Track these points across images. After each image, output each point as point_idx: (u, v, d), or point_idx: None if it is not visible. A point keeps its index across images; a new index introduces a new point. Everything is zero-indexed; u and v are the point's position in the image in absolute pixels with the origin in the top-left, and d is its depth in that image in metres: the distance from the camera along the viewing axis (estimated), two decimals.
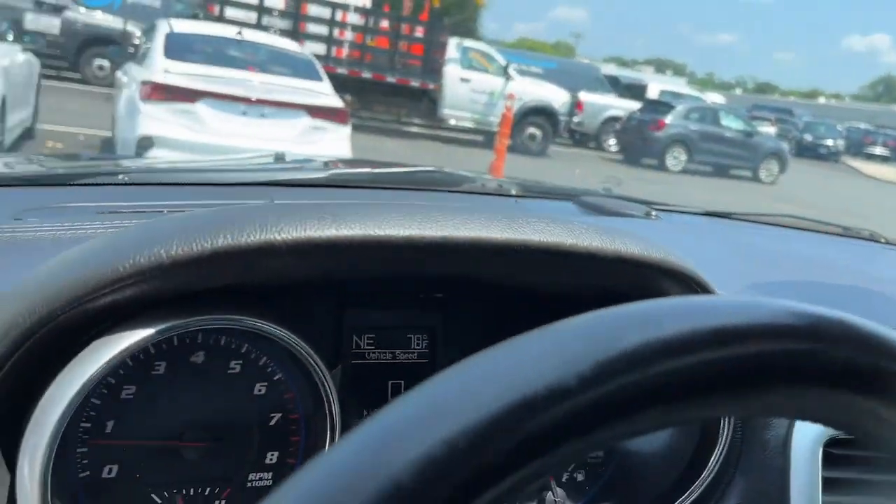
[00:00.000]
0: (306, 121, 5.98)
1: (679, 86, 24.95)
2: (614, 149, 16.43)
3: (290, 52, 7.34)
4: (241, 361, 0.73)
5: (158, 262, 0.57)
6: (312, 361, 0.71)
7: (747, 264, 1.32)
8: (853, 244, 1.76)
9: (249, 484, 0.74)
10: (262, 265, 0.61)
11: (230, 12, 11.60)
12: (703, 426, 0.82)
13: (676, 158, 14.96)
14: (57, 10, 12.35)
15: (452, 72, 13.05)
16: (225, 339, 0.72)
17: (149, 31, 7.41)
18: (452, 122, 13.50)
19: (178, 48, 6.32)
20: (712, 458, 0.81)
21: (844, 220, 1.93)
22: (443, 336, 0.83)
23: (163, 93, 5.67)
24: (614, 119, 16.70)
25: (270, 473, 0.75)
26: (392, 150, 10.93)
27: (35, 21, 11.82)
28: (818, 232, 1.76)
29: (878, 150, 31.08)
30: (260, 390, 0.74)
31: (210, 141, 5.46)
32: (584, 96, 16.49)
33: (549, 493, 0.86)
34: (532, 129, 13.39)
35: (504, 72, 13.38)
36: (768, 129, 20.19)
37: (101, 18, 12.88)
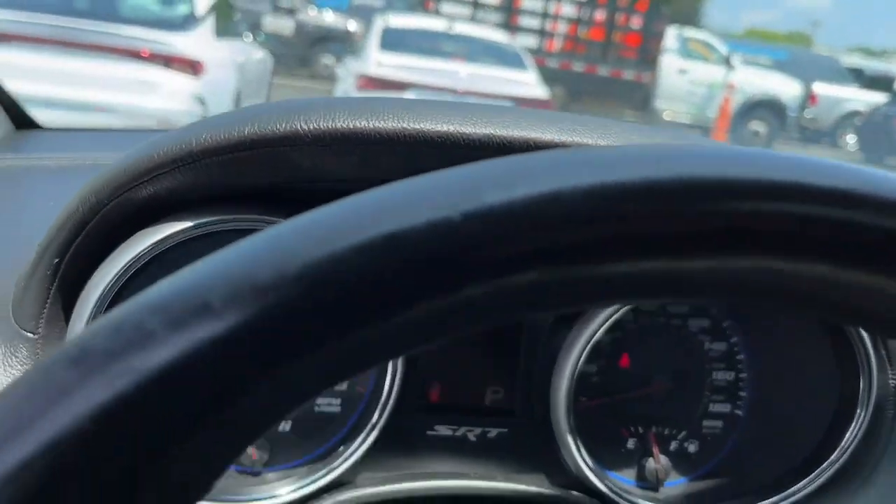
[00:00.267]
0: None
1: None
2: (853, 147, 14.87)
3: (497, 44, 7.42)
4: None
5: (188, 150, 0.57)
6: None
7: None
8: None
9: (317, 408, 0.72)
10: (289, 158, 0.58)
11: (446, 8, 11.98)
12: (841, 393, 0.71)
13: None
14: (291, 12, 13.51)
15: (669, 62, 12.51)
16: None
17: (368, 27, 7.82)
18: (666, 116, 12.93)
19: (393, 41, 6.61)
20: (847, 434, 0.70)
21: None
22: None
23: (375, 84, 5.95)
24: (854, 114, 15.11)
25: (339, 399, 0.73)
26: None
27: (273, 23, 13.03)
28: None
29: None
30: None
31: None
32: (820, 88, 15.07)
33: (651, 459, 0.75)
34: (755, 124, 12.46)
35: (726, 62, 12.59)
36: None
37: (331, 19, 13.90)
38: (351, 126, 0.57)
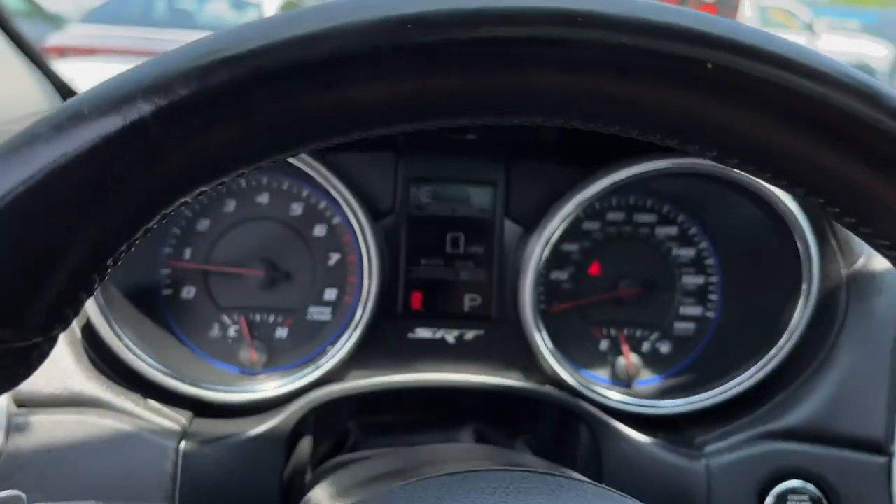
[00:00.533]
0: None
1: None
2: None
3: None
4: (302, 204, 0.79)
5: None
6: (351, 210, 0.74)
7: None
8: None
9: (309, 317, 0.81)
10: None
11: None
12: (790, 281, 0.75)
13: None
14: None
15: None
16: (287, 182, 0.79)
17: None
18: None
19: None
20: (793, 320, 0.75)
21: None
22: (503, 191, 0.82)
23: None
24: None
25: (329, 308, 0.81)
26: None
27: None
28: None
29: None
30: (319, 232, 0.80)
31: None
32: None
33: (621, 357, 0.82)
34: None
35: (809, 28, 12.08)
36: None
37: None
38: None
